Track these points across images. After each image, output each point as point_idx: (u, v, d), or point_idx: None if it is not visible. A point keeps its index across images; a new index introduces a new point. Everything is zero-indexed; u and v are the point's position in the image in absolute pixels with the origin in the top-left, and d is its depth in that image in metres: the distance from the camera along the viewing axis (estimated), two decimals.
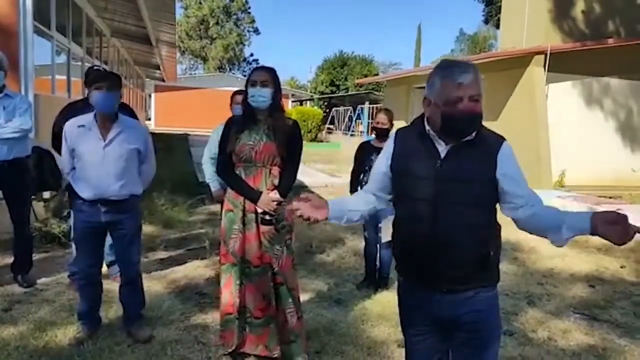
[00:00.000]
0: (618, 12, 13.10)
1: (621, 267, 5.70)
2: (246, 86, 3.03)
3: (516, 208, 1.95)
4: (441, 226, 1.92)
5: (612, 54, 11.26)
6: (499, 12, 17.64)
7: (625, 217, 1.73)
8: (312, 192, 10.00)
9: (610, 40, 11.84)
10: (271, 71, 3.05)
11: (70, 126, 3.30)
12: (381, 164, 2.12)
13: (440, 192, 1.91)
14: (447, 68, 1.91)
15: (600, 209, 7.25)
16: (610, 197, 9.74)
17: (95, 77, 3.27)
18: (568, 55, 10.94)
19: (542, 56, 10.69)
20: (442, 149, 1.94)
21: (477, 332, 2.02)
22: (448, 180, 1.90)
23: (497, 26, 21.66)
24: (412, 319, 2.15)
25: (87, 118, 3.30)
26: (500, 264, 2.10)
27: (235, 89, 4.72)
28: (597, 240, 6.93)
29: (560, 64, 10.74)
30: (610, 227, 1.75)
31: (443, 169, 1.92)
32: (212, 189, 4.48)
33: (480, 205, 1.94)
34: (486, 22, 33.20)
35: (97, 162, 3.23)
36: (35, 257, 4.74)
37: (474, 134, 1.92)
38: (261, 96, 2.98)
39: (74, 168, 3.33)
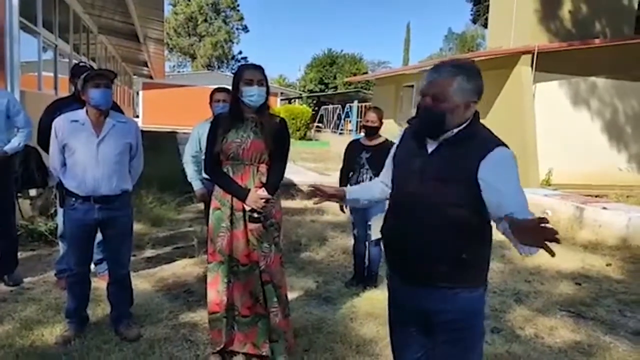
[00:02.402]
0: (604, 13, 13.24)
1: (607, 265, 5.77)
2: (237, 84, 3.00)
3: (497, 219, 1.87)
4: (414, 221, 1.98)
5: (598, 53, 11.37)
6: (487, 12, 17.74)
7: (536, 223, 1.59)
8: (301, 191, 10.00)
9: (597, 40, 11.96)
10: (263, 70, 3.06)
11: (61, 121, 3.28)
12: (390, 155, 2.24)
13: (421, 188, 1.96)
14: (431, 67, 2.03)
15: (586, 207, 7.32)
16: (597, 196, 9.84)
17: (94, 75, 3.27)
18: (555, 55, 11.03)
19: (530, 56, 10.77)
20: (430, 146, 2.00)
21: (457, 332, 2.03)
22: (429, 177, 1.95)
23: (485, 25, 21.81)
24: (397, 313, 2.20)
25: (80, 114, 3.29)
26: (486, 266, 2.09)
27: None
28: (583, 238, 7.03)
29: (548, 64, 10.82)
30: (524, 234, 1.66)
31: (427, 166, 1.98)
32: (195, 188, 4.44)
33: (457, 206, 1.92)
34: (474, 21, 33.30)
35: (90, 158, 3.23)
36: (21, 255, 4.70)
37: (454, 131, 1.96)
38: (261, 95, 2.99)
39: (64, 165, 3.30)
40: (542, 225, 1.55)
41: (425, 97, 1.96)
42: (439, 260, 1.95)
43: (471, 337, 2.06)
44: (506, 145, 1.96)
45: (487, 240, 2.03)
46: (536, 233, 1.58)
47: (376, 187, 2.35)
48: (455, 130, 1.96)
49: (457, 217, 1.92)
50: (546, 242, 1.56)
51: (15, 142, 4.24)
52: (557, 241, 1.53)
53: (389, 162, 2.25)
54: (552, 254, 1.59)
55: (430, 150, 2.00)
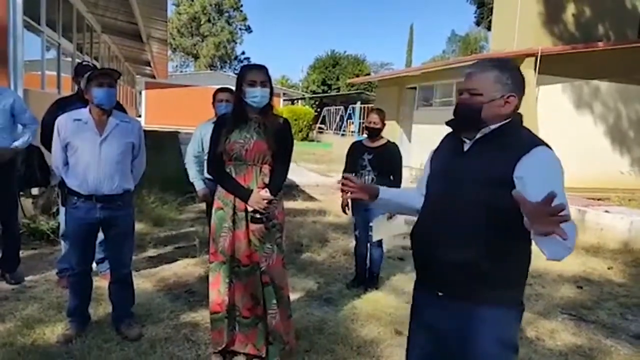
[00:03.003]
0: (608, 16, 13.22)
1: (608, 269, 5.76)
2: (240, 85, 3.00)
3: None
4: (439, 223, 1.90)
5: (601, 57, 11.35)
6: (491, 14, 17.74)
7: (547, 199, 1.42)
8: (304, 192, 10.01)
9: (600, 44, 11.94)
10: (266, 70, 3.05)
11: (64, 120, 3.29)
12: (427, 160, 2.16)
13: (452, 188, 1.89)
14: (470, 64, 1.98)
15: (588, 210, 7.31)
16: (599, 199, 9.83)
17: (98, 74, 3.27)
18: (558, 58, 11.01)
19: (533, 58, 10.75)
20: (466, 145, 1.93)
21: (464, 349, 1.89)
22: (462, 177, 1.87)
23: (489, 28, 21.77)
24: (415, 315, 2.12)
25: (83, 112, 3.30)
26: (517, 283, 1.92)
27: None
28: (585, 241, 7.02)
29: (551, 67, 10.81)
30: (535, 217, 1.49)
31: (461, 165, 1.90)
32: (197, 188, 4.44)
33: (487, 208, 1.78)
34: (478, 23, 33.33)
35: (93, 157, 3.23)
36: (23, 254, 4.71)
37: (491, 128, 1.87)
38: (264, 96, 2.99)
39: (66, 164, 3.31)
40: (552, 202, 1.40)
41: (462, 93, 1.92)
42: (457, 268, 1.84)
43: (482, 353, 1.87)
44: (549, 146, 1.82)
45: (520, 256, 1.85)
46: (547, 213, 1.42)
47: (410, 194, 2.24)
48: (493, 127, 1.87)
49: (487, 221, 1.79)
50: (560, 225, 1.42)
51: (25, 138, 4.27)
52: (567, 219, 1.42)
53: (425, 168, 2.15)
54: (565, 237, 1.43)
55: (466, 149, 1.92)
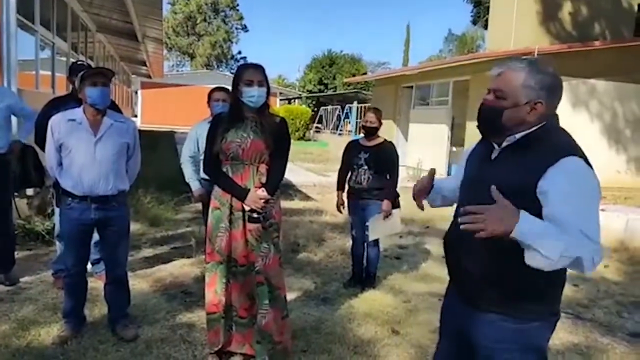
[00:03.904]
0: (604, 15, 13.27)
1: (605, 267, 5.76)
2: (237, 84, 2.99)
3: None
4: (465, 233, 1.78)
5: (598, 56, 11.39)
6: (487, 13, 17.75)
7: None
8: (300, 191, 9.99)
9: (597, 43, 11.98)
10: (263, 69, 3.03)
11: (58, 120, 3.26)
12: (464, 159, 2.09)
13: (476, 197, 1.78)
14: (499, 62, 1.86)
15: None
16: None
17: (92, 73, 3.25)
18: (555, 57, 11.02)
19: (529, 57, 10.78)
20: (495, 152, 1.84)
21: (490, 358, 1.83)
22: (487, 184, 1.74)
23: (485, 27, 21.81)
24: (443, 320, 2.09)
25: (77, 112, 3.27)
26: (546, 297, 1.81)
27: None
28: None
29: None
30: None
31: (487, 173, 1.80)
32: (193, 189, 4.43)
33: None
34: (474, 22, 33.30)
35: (87, 158, 3.21)
36: (18, 255, 4.68)
37: (517, 136, 1.76)
38: (261, 96, 2.97)
39: (60, 164, 3.28)
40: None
41: (488, 93, 1.80)
42: (481, 276, 1.79)
43: None
44: (582, 155, 1.67)
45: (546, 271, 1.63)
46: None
47: (452, 184, 2.14)
48: (518, 135, 1.75)
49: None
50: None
51: (29, 130, 4.28)
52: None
53: (459, 164, 2.10)
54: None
55: (493, 156, 1.83)
